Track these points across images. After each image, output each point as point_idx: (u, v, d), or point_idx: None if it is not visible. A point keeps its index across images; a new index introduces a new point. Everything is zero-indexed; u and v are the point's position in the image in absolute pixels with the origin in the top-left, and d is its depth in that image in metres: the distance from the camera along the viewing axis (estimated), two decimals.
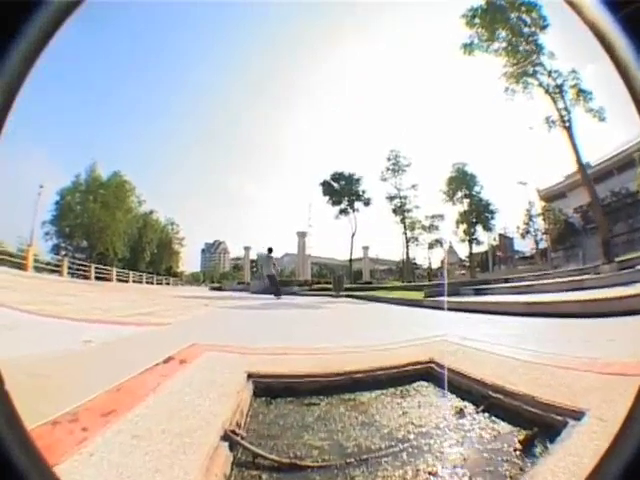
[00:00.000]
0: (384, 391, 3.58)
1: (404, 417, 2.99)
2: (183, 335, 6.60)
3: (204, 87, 49.59)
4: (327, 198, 40.42)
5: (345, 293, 26.44)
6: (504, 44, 25.11)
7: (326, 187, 40.63)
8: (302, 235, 42.75)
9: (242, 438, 2.50)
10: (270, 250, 25.03)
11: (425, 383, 3.76)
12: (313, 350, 5.17)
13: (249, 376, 3.71)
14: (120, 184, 40.51)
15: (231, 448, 2.41)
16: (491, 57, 25.58)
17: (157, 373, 3.84)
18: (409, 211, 39.45)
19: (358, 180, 40.47)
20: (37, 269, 31.43)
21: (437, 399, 3.38)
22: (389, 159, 39.36)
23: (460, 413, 3.01)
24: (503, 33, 25.10)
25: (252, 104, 53.44)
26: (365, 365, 4.02)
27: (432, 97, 44.11)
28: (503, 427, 2.72)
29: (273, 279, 24.45)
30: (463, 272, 40.64)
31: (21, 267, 28.94)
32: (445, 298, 13.19)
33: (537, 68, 24.61)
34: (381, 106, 49.84)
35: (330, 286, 30.80)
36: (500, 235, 39.19)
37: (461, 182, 37.94)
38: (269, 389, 3.62)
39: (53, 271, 33.70)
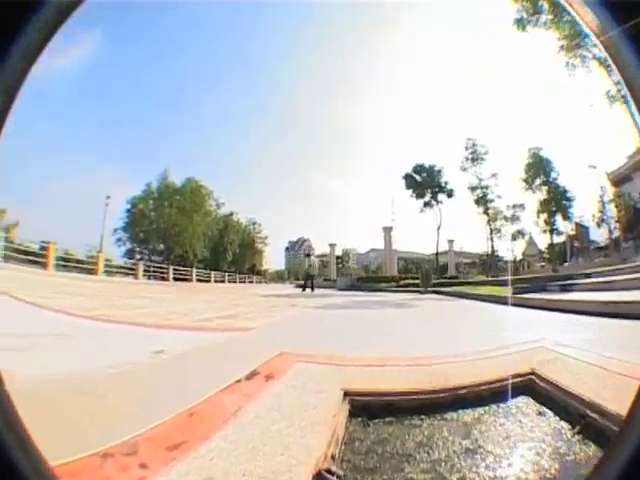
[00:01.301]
0: (486, 409, 3.38)
1: (508, 441, 2.82)
2: (269, 342, 6.28)
3: (278, 86, 50.49)
4: (410, 191, 41.24)
5: (432, 289, 26.71)
6: (550, 16, 24.69)
7: (409, 180, 41.39)
8: (388, 230, 43.27)
9: (338, 477, 2.20)
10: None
11: (525, 399, 3.56)
12: (413, 360, 4.78)
13: (345, 394, 3.42)
14: (196, 189, 42.39)
15: None
16: (544, 32, 25.24)
17: (239, 392, 3.50)
18: (491, 201, 39.58)
19: (439, 171, 41.24)
20: (109, 273, 32.58)
21: (538, 419, 3.18)
22: (467, 148, 39.54)
23: (559, 435, 2.85)
24: (545, 5, 24.74)
25: (328, 101, 54.04)
26: (468, 379, 3.80)
27: (493, 79, 43.67)
28: (594, 451, 2.55)
29: (312, 278, 29.43)
30: (543, 264, 39.87)
31: (91, 272, 29.94)
32: (534, 295, 13.04)
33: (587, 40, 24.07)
34: (451, 94, 49.93)
35: (416, 282, 31.33)
36: (577, 224, 38.21)
37: (538, 168, 37.69)
38: (366, 408, 3.33)
39: (127, 274, 34.98)
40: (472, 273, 42.01)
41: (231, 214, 48.34)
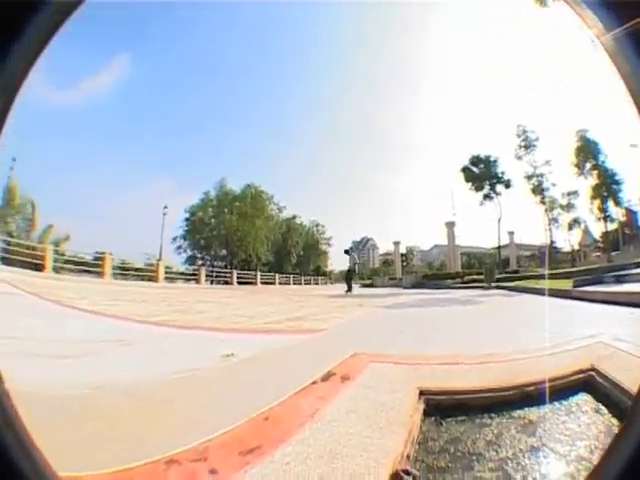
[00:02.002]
0: (550, 407, 3.44)
1: (568, 439, 2.89)
2: (341, 343, 6.32)
3: (328, 88, 50.73)
4: (469, 184, 41.53)
5: (496, 284, 27.09)
6: None
7: (467, 173, 41.63)
8: (450, 225, 43.54)
9: (414, 477, 2.23)
10: (348, 252, 30.70)
11: (584, 396, 3.62)
12: (483, 358, 4.82)
13: (421, 393, 3.45)
14: (256, 195, 42.97)
15: None
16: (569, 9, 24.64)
17: (314, 394, 3.49)
18: (546, 190, 39.52)
19: (495, 162, 41.24)
20: (170, 280, 33.20)
21: (595, 417, 3.25)
22: (518, 135, 39.73)
23: (607, 433, 2.92)
24: None
25: (377, 100, 54.22)
26: (533, 376, 3.82)
27: (532, 65, 43.16)
28: None
29: (352, 277, 27.38)
30: (598, 254, 39.13)
31: (151, 280, 30.69)
32: (592, 288, 13.26)
33: None
34: (495, 84, 49.81)
35: (480, 277, 31.91)
36: (626, 209, 36.99)
37: (587, 151, 37.14)
38: (440, 407, 3.37)
39: (188, 280, 35.62)
40: (532, 266, 41.30)
41: (294, 217, 48.99)
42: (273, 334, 7.43)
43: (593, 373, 3.79)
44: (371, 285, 44.78)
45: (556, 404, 3.47)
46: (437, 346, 6.00)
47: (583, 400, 3.52)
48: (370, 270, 64.83)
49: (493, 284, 27.91)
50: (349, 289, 26.27)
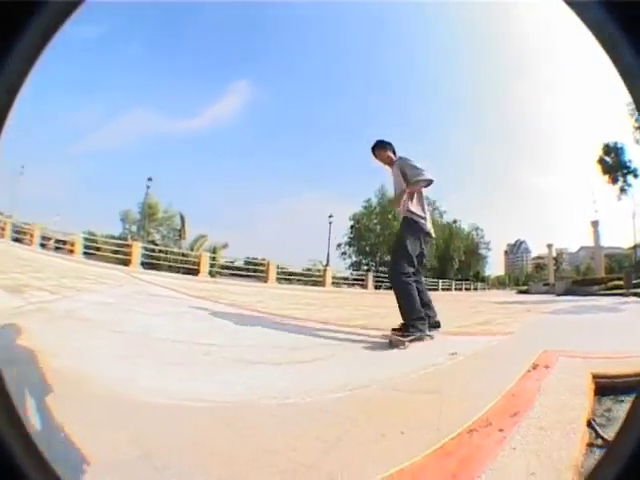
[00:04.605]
0: None
1: None
2: (531, 343, 6.79)
3: (471, 89, 51.16)
4: (606, 177, 38.73)
5: (633, 290, 26.90)
6: None
7: (602, 164, 38.87)
8: (595, 224, 42.09)
9: (597, 424, 3.07)
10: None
11: None
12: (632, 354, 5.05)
13: (593, 377, 4.07)
14: None
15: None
16: None
17: (532, 378, 4.16)
18: None
19: (622, 148, 38.14)
20: (336, 284, 35.60)
21: None
22: (631, 115, 35.17)
23: None
24: None
25: (508, 100, 53.91)
26: None
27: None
28: None
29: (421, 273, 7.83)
30: None
31: (316, 284, 33.11)
32: None
33: None
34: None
35: (619, 282, 31.64)
36: None
37: None
38: (603, 388, 4.00)
39: (352, 285, 37.79)
40: None
41: (455, 221, 49.91)
42: (473, 336, 7.95)
43: None
44: (526, 292, 43.92)
45: None
46: (599, 346, 6.48)
47: None
48: (525, 275, 62.53)
49: (631, 290, 27.55)
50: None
